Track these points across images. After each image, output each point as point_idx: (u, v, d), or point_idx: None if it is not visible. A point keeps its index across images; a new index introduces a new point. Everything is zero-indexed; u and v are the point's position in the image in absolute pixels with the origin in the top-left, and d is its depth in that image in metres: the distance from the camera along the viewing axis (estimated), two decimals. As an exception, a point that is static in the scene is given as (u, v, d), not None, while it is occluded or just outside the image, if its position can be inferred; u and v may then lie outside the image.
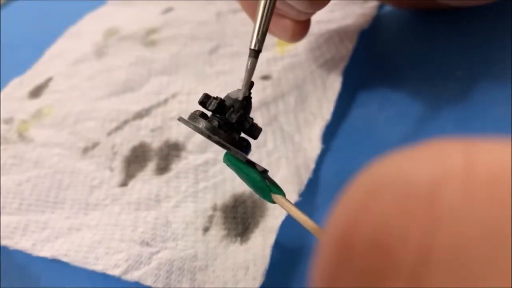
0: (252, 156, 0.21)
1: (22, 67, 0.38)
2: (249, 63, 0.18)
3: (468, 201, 0.06)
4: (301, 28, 0.23)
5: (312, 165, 0.22)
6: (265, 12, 0.18)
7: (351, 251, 0.07)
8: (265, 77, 0.28)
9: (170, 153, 0.25)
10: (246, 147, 0.17)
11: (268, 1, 0.18)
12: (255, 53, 0.18)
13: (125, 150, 0.26)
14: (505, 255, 0.06)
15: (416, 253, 0.06)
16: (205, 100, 0.16)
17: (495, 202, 0.06)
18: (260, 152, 0.23)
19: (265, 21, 0.18)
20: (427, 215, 0.07)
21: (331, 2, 0.32)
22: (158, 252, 0.20)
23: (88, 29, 0.41)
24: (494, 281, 0.06)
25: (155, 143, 0.26)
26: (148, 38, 0.36)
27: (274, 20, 0.23)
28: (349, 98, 0.25)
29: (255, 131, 0.17)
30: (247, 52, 0.18)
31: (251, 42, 0.18)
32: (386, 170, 0.07)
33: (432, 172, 0.07)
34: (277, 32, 0.23)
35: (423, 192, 0.07)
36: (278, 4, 0.20)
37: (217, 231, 0.21)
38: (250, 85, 0.17)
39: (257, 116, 0.25)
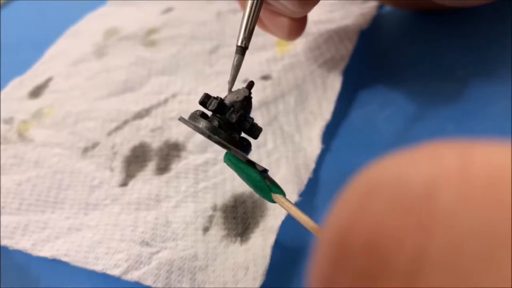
0: (252, 156, 0.21)
1: (22, 67, 0.38)
2: (235, 59, 0.18)
3: (464, 202, 0.06)
4: (298, 25, 0.23)
5: (312, 165, 0.22)
6: (253, 9, 0.18)
7: (347, 251, 0.07)
8: (265, 77, 0.28)
9: (170, 153, 0.25)
10: (246, 147, 0.17)
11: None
12: (242, 50, 0.18)
13: (125, 150, 0.26)
14: (502, 256, 0.06)
15: (411, 253, 0.06)
16: (206, 100, 0.16)
17: (491, 203, 0.06)
18: (260, 152, 0.23)
19: (252, 18, 0.18)
20: (422, 215, 0.07)
21: (330, 2, 0.32)
22: (158, 252, 0.20)
23: (88, 29, 0.41)
24: (491, 281, 0.06)
25: (155, 143, 0.26)
26: (148, 38, 0.36)
27: (270, 18, 0.23)
28: (349, 98, 0.25)
29: (255, 131, 0.17)
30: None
31: (237, 39, 0.18)
32: (382, 171, 0.08)
33: (428, 173, 0.07)
34: (274, 30, 0.23)
35: (419, 193, 0.07)
36: (273, 2, 0.20)
37: (217, 231, 0.21)
38: (249, 84, 0.18)
39: (257, 116, 0.25)
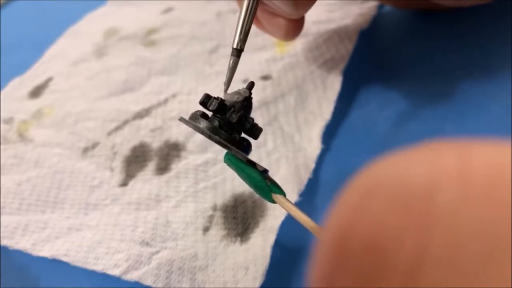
0: (252, 156, 0.21)
1: (22, 67, 0.38)
2: (231, 61, 0.18)
3: (464, 202, 0.06)
4: (295, 26, 0.23)
5: (312, 165, 0.22)
6: (248, 11, 0.18)
7: (348, 251, 0.07)
8: (265, 77, 0.28)
9: (170, 153, 0.25)
10: (247, 147, 0.17)
11: (251, 1, 0.18)
12: (237, 52, 0.18)
13: (125, 150, 0.26)
14: (502, 256, 0.06)
15: (411, 253, 0.06)
16: (206, 100, 0.16)
17: (492, 202, 0.06)
18: (260, 152, 0.23)
19: (247, 20, 0.18)
20: (422, 215, 0.07)
21: (330, 2, 0.32)
22: (158, 252, 0.20)
23: (88, 29, 0.41)
24: (491, 281, 0.06)
25: (155, 143, 0.26)
26: (148, 38, 0.36)
27: (267, 19, 0.23)
28: (349, 98, 0.25)
29: (255, 131, 0.17)
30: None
31: (233, 41, 0.18)
32: (382, 171, 0.08)
33: (428, 173, 0.07)
34: (271, 31, 0.23)
35: (419, 192, 0.07)
36: (269, 3, 0.20)
37: (217, 231, 0.21)
38: (249, 85, 0.18)
39: (257, 116, 0.25)
